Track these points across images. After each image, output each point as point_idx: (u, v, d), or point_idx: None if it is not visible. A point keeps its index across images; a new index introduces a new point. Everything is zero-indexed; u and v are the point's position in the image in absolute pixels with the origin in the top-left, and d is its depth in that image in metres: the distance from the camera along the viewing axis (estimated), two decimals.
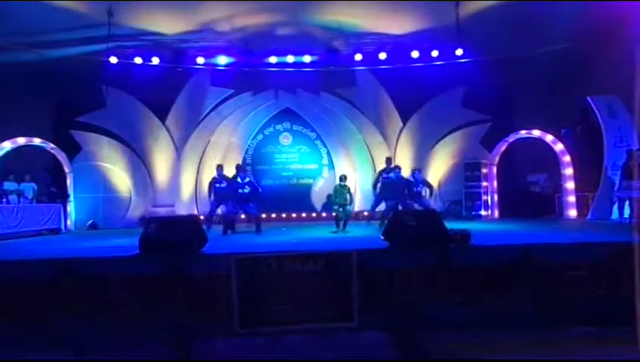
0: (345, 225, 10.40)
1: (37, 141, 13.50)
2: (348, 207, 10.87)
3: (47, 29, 11.94)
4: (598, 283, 5.87)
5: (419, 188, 11.53)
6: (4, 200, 12.10)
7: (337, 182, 11.26)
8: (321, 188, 15.57)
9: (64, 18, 11.73)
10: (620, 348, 4.69)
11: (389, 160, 12.17)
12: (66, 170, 14.04)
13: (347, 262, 5.61)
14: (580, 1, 11.41)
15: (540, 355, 4.65)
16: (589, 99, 12.96)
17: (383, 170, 11.79)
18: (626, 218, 11.16)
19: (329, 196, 11.41)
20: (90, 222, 14.13)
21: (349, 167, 15.48)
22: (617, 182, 11.77)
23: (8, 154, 13.38)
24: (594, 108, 12.88)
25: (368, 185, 15.16)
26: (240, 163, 12.66)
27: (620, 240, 6.51)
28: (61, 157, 13.94)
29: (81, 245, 8.92)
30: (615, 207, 11.79)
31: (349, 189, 10.93)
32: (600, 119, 12.73)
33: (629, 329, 4.89)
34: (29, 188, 13.08)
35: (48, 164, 14.39)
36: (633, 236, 6.57)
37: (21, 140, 13.36)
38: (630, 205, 11.29)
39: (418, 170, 12.23)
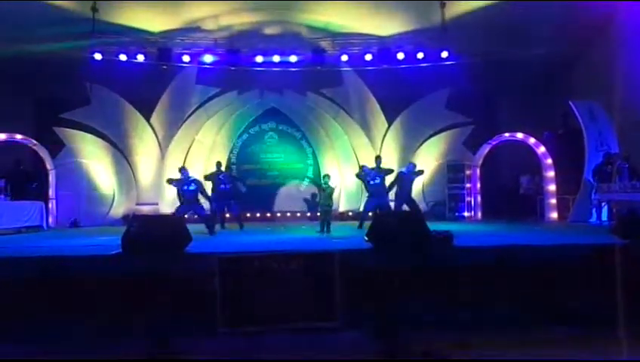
0: (328, 226, 10.35)
1: (19, 137, 13.33)
2: (331, 208, 10.81)
3: (31, 24, 11.79)
4: (577, 285, 5.96)
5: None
6: None
7: (321, 181, 11.18)
8: (306, 187, 15.59)
9: (48, 13, 11.60)
10: (601, 348, 4.78)
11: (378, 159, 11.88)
12: (49, 167, 13.87)
13: (330, 263, 5.63)
14: (565, 1, 11.55)
15: (523, 354, 4.72)
16: (570, 103, 13.15)
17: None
18: (604, 220, 11.36)
19: (313, 196, 11.40)
20: (72, 219, 13.98)
21: (335, 167, 15.52)
22: (594, 184, 11.99)
23: None
24: (575, 112, 13.06)
25: (353, 185, 15.25)
26: (220, 160, 12.76)
27: (598, 242, 6.65)
28: (43, 153, 13.77)
29: (62, 243, 8.83)
30: (594, 210, 11.99)
31: (331, 191, 10.84)
32: (581, 123, 12.92)
33: (610, 330, 5.01)
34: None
35: (27, 161, 14.18)
36: (610, 238, 6.73)
37: (2, 136, 13.18)
38: (608, 207, 11.50)
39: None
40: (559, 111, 14.35)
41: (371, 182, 11.19)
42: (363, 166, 11.83)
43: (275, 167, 15.93)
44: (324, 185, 10.71)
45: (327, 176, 11.12)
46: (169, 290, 5.59)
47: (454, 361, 4.61)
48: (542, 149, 14.02)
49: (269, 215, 15.41)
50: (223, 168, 12.51)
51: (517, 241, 7.39)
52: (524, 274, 5.95)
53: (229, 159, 15.41)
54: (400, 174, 11.56)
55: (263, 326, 5.27)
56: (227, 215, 12.24)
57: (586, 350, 4.78)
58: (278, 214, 15.49)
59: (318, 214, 10.84)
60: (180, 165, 14.88)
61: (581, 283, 5.89)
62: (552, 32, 12.68)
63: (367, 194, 11.63)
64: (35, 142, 13.54)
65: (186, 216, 11.06)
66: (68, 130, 14.44)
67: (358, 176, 11.82)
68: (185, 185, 10.92)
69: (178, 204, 14.76)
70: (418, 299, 5.77)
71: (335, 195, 11.45)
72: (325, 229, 10.27)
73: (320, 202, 10.68)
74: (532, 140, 14.14)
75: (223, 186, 11.55)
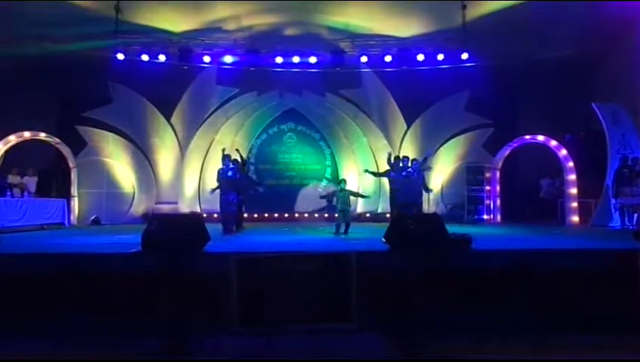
0: (346, 228, 10.35)
1: (42, 135, 13.57)
2: (348, 211, 10.79)
3: (55, 24, 12.01)
4: (596, 291, 5.87)
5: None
6: (8, 193, 12.18)
7: (337, 186, 11.17)
8: (323, 188, 15.61)
9: (71, 13, 11.80)
10: (617, 356, 4.71)
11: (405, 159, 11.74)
12: (71, 165, 14.11)
13: (347, 264, 5.62)
14: (587, 1, 11.39)
15: (538, 360, 4.67)
16: (593, 105, 12.95)
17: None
18: (627, 225, 11.16)
19: (329, 200, 11.38)
20: (93, 217, 14.19)
21: (353, 168, 15.52)
22: (612, 188, 11.80)
23: (12, 147, 13.48)
24: (598, 114, 12.86)
25: (371, 187, 15.22)
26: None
27: (622, 247, 6.52)
28: (66, 152, 14.00)
29: (83, 240, 8.96)
30: (617, 214, 11.79)
31: (349, 193, 10.72)
32: (604, 126, 12.71)
33: (629, 337, 4.93)
34: (33, 181, 13.16)
35: (50, 160, 14.43)
36: (632, 243, 6.60)
37: (26, 134, 13.44)
38: (628, 212, 11.29)
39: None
40: (581, 113, 14.14)
41: (404, 173, 11.12)
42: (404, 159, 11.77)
43: (293, 168, 15.99)
44: (340, 189, 10.68)
45: (343, 181, 11.13)
46: (187, 289, 5.64)
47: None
48: (563, 152, 13.83)
49: (286, 215, 15.47)
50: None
51: (537, 245, 7.30)
52: (542, 279, 5.87)
53: (247, 159, 15.48)
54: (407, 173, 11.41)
55: (278, 326, 5.28)
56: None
57: (602, 357, 4.71)
58: (296, 215, 15.55)
59: (336, 216, 10.83)
60: (200, 165, 15.15)
61: (600, 289, 5.80)
62: (574, 33, 12.51)
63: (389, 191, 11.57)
64: (58, 140, 13.77)
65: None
66: (90, 128, 14.68)
67: (388, 166, 11.78)
68: (225, 172, 10.63)
69: (197, 203, 15.10)
70: (435, 301, 5.73)
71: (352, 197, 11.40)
72: (342, 231, 10.26)
73: (338, 205, 10.66)
74: (553, 143, 13.95)
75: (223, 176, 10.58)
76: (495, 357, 4.64)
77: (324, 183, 15.79)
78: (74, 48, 12.69)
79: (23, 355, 4.73)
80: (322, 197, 13.51)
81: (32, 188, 13.18)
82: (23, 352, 4.78)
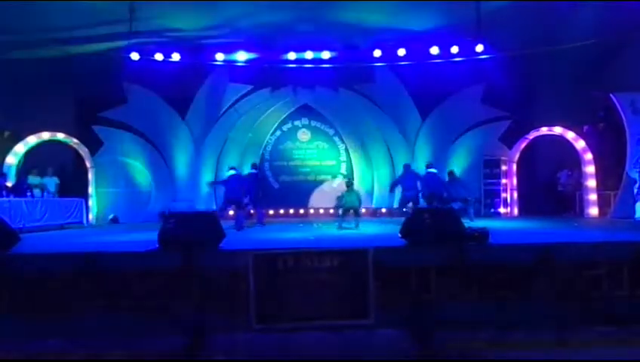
0: (357, 223, 10.58)
1: (61, 136, 13.74)
2: (357, 209, 11.11)
3: (70, 25, 12.09)
4: (619, 283, 5.79)
5: None
6: (29, 193, 12.35)
7: (345, 188, 11.55)
8: (338, 184, 15.57)
9: (86, 14, 11.88)
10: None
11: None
12: (88, 164, 14.26)
13: (364, 260, 5.61)
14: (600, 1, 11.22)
15: (558, 355, 4.62)
16: (612, 95, 12.74)
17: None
18: None
19: (339, 198, 11.56)
20: (111, 216, 14.33)
21: (367, 164, 15.47)
22: (636, 180, 11.62)
23: (32, 148, 13.67)
24: (617, 105, 12.65)
25: (386, 182, 15.15)
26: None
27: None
28: (83, 152, 14.16)
29: (101, 239, 9.06)
30: (638, 206, 11.61)
31: (357, 193, 11.31)
32: (623, 116, 12.52)
33: None
34: (52, 182, 13.34)
35: (69, 160, 14.60)
36: None
37: (45, 135, 13.62)
38: None
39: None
40: (600, 104, 13.90)
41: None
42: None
43: (307, 164, 15.96)
44: (348, 191, 11.21)
45: (350, 181, 11.94)
46: (203, 286, 5.68)
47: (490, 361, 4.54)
48: (581, 144, 13.64)
49: (301, 211, 15.47)
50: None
51: (556, 238, 7.22)
52: (562, 273, 5.81)
53: (262, 156, 15.54)
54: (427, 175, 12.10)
55: (296, 323, 5.29)
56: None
57: (626, 350, 4.64)
58: (311, 211, 15.54)
59: (340, 212, 11.12)
60: (215, 163, 15.26)
61: (623, 281, 5.72)
62: (591, 22, 12.28)
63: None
64: (76, 140, 13.94)
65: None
66: (106, 128, 14.76)
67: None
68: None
69: (213, 200, 15.17)
70: (452, 297, 5.70)
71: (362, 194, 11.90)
72: (354, 226, 10.41)
73: (346, 205, 10.93)
74: (571, 135, 13.76)
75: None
76: (516, 356, 4.59)
77: (338, 179, 15.70)
78: (89, 49, 12.78)
79: (42, 353, 4.80)
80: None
81: (52, 188, 13.35)
82: (42, 350, 4.85)
